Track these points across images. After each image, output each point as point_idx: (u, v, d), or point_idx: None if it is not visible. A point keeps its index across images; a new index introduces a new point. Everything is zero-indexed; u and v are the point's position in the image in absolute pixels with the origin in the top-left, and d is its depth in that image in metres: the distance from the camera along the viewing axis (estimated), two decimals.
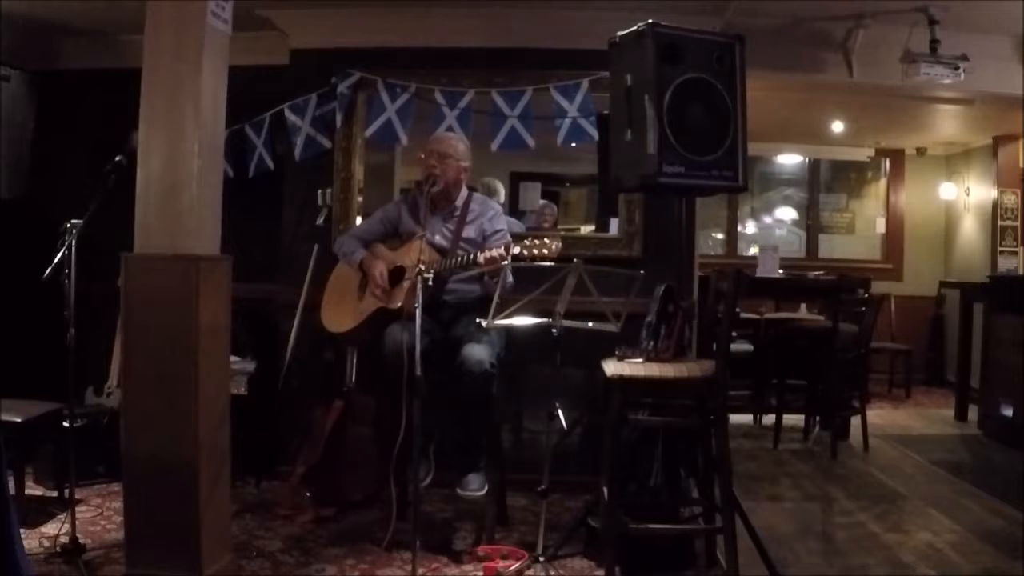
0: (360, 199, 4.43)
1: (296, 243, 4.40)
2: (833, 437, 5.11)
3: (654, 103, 2.88)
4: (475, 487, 3.38)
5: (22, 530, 2.64)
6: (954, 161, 8.23)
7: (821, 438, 5.46)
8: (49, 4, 4.33)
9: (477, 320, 3.26)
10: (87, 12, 4.44)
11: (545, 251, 3.14)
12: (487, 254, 3.24)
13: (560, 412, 3.27)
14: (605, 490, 2.99)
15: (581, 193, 5.97)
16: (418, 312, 2.96)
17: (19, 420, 3.43)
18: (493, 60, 4.32)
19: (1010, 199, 7.22)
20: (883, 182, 8.57)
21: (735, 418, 5.48)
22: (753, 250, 8.38)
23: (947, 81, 4.53)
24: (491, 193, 4.79)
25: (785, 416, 5.40)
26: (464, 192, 3.66)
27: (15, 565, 2.02)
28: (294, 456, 3.98)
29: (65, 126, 4.86)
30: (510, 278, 3.36)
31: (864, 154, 8.34)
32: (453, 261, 3.38)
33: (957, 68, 4.49)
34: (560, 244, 3.17)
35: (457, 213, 3.61)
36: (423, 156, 3.58)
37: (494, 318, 3.13)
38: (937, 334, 7.96)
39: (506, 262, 3.15)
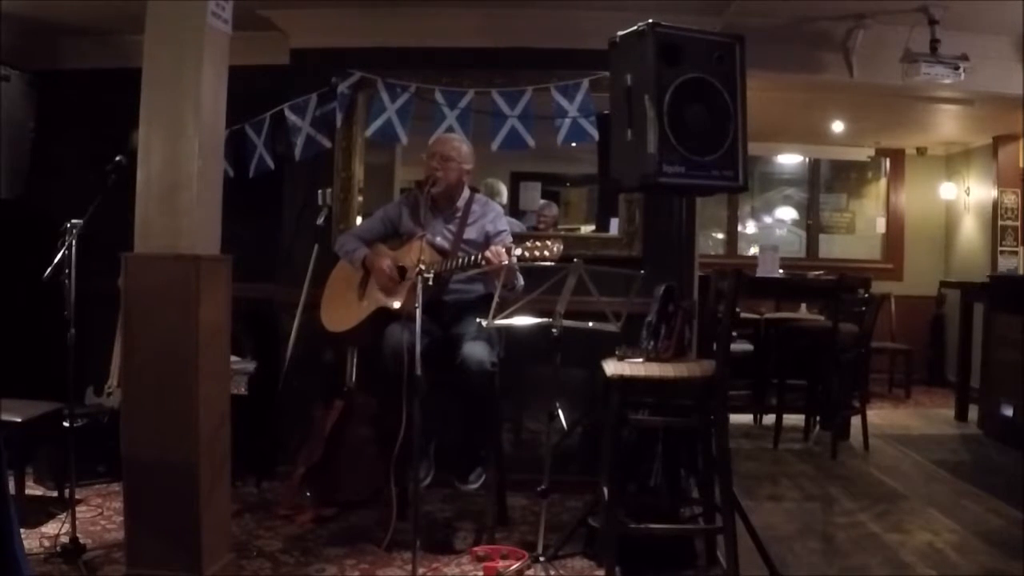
0: (360, 199, 4.43)
1: (296, 243, 4.40)
2: (833, 437, 5.11)
3: (654, 103, 2.88)
4: (473, 479, 3.44)
5: (22, 530, 2.63)
6: (954, 161, 8.23)
7: (821, 438, 5.46)
8: (49, 4, 4.33)
9: (477, 320, 3.27)
10: (87, 12, 4.44)
11: (546, 252, 3.14)
12: (490, 250, 3.25)
13: (560, 412, 3.26)
14: (605, 490, 3.00)
15: (581, 193, 5.98)
16: (418, 312, 2.96)
17: (19, 420, 3.43)
18: (493, 60, 4.31)
19: (1010, 199, 7.22)
20: (883, 182, 8.57)
21: (735, 418, 5.47)
22: (753, 250, 8.37)
23: (947, 81, 4.54)
24: (493, 195, 4.79)
25: (785, 416, 5.39)
26: (466, 193, 3.66)
27: (15, 565, 2.02)
28: (294, 456, 3.97)
29: (65, 126, 4.85)
30: (521, 281, 3.36)
31: (864, 154, 8.33)
32: (454, 263, 3.38)
33: (957, 68, 4.50)
34: (561, 246, 3.17)
35: (458, 214, 3.61)
36: (426, 157, 3.58)
37: (494, 318, 3.13)
38: (937, 334, 7.95)
39: (506, 263, 3.15)
